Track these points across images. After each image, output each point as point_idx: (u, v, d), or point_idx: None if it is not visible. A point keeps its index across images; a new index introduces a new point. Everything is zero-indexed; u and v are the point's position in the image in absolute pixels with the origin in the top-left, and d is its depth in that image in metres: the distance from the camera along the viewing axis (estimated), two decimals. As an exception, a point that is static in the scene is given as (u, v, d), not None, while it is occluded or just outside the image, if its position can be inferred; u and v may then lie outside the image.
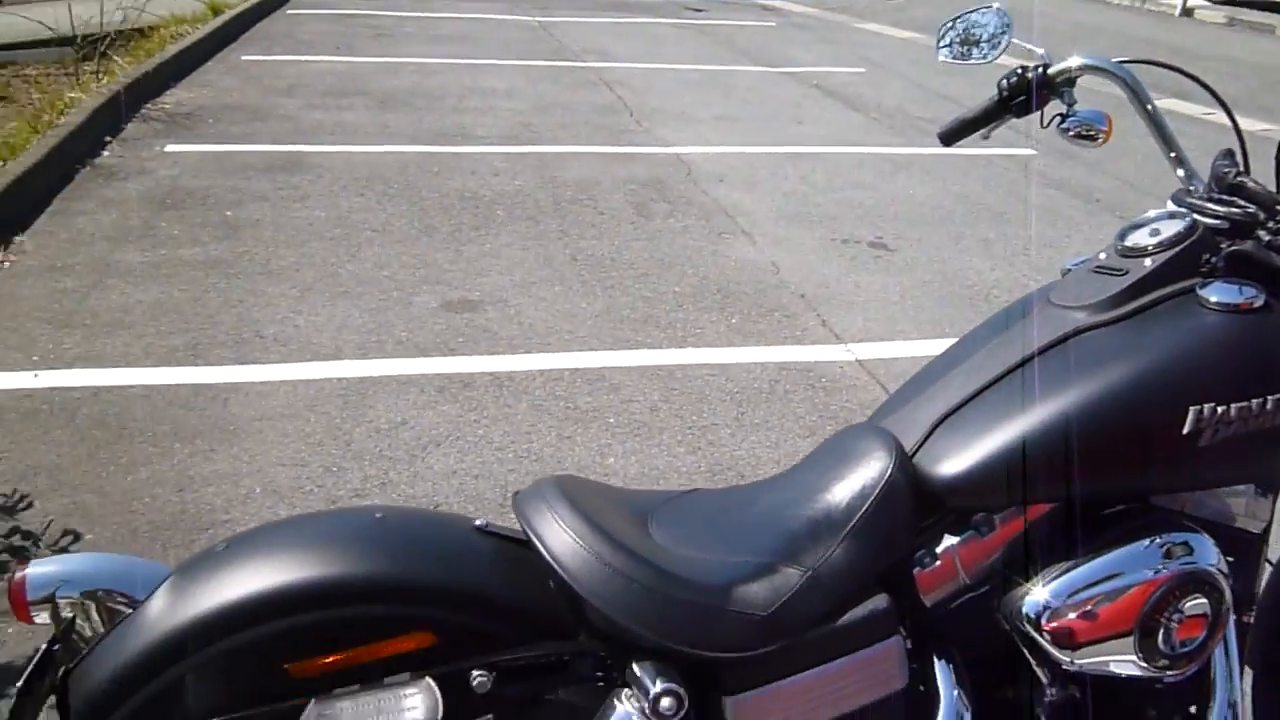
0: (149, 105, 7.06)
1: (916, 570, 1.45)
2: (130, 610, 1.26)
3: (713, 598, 1.31)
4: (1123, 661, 1.43)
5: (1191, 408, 1.40)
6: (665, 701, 1.22)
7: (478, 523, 1.39)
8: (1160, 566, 1.42)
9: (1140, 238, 1.56)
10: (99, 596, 1.29)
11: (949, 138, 1.83)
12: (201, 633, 1.21)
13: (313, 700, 1.19)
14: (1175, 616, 1.41)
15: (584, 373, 3.80)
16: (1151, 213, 1.61)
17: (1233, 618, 1.54)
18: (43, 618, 1.28)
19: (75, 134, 5.98)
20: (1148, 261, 1.52)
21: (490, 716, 1.26)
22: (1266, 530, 1.60)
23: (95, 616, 1.30)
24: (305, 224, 5.11)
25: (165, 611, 1.23)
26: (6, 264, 4.53)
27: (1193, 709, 1.57)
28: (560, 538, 1.31)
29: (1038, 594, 1.42)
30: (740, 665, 1.32)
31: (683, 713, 1.24)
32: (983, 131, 1.80)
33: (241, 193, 5.50)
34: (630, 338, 4.11)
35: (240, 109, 7.11)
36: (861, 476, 1.43)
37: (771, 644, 1.32)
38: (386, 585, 1.25)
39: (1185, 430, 1.40)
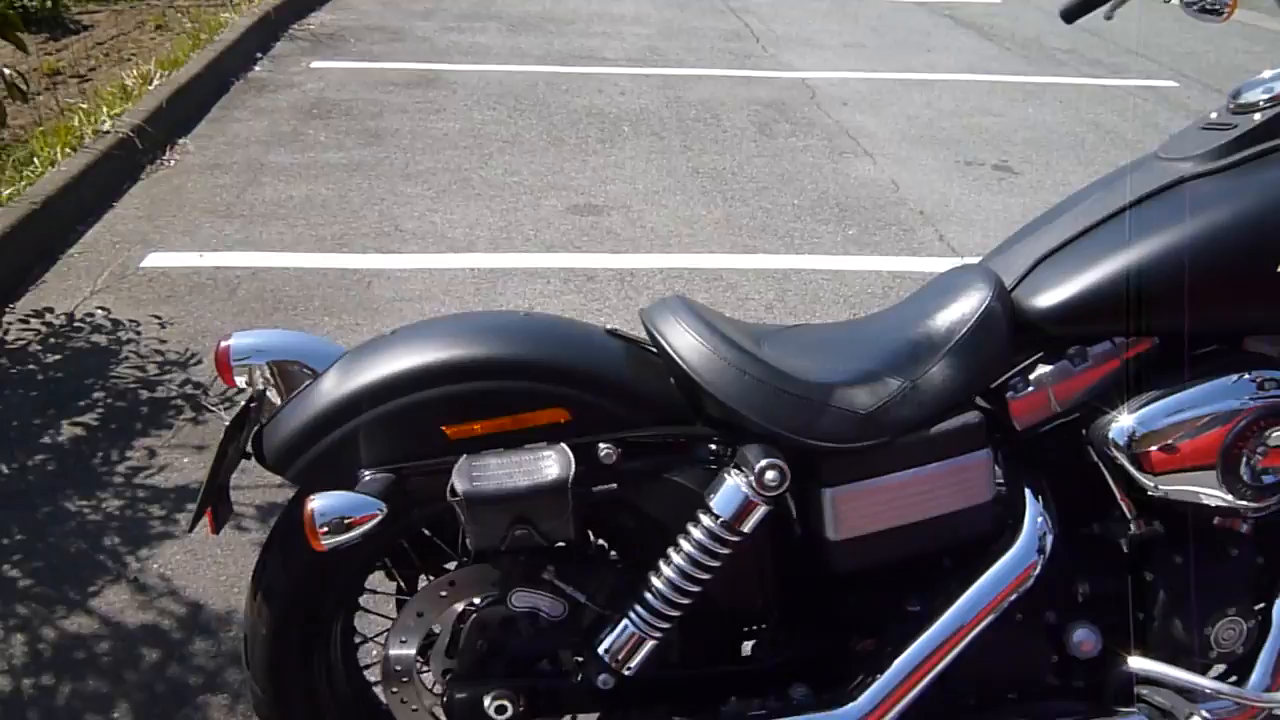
0: (295, 26, 7.42)
1: (1009, 395, 1.55)
2: (311, 379, 1.48)
3: (817, 394, 1.45)
4: (1206, 490, 1.51)
5: (1290, 247, 1.46)
6: (770, 475, 1.37)
7: (609, 328, 1.56)
8: (1248, 399, 1.49)
9: (1253, 95, 1.61)
10: (286, 366, 1.51)
11: (1071, 14, 1.89)
12: (372, 395, 1.42)
13: (464, 455, 1.39)
14: (1260, 448, 1.49)
15: (702, 272, 3.94)
16: (1267, 72, 1.65)
17: None
18: (241, 381, 1.51)
19: (229, 50, 6.37)
20: (1257, 116, 1.57)
21: (615, 486, 1.43)
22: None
23: (282, 384, 1.52)
24: (441, 134, 5.36)
25: (341, 379, 1.44)
26: (172, 162, 4.92)
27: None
28: (683, 337, 1.47)
29: (1125, 420, 1.51)
30: (838, 457, 1.46)
31: (785, 486, 1.39)
32: (1105, 9, 1.85)
33: (382, 105, 5.78)
34: (748, 243, 4.23)
35: (380, 30, 7.41)
36: (962, 305, 1.54)
37: (868, 440, 1.45)
38: (530, 365, 1.43)
39: (1280, 268, 1.46)
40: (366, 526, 1.32)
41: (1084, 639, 1.59)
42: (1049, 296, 1.53)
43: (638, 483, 1.45)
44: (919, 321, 1.57)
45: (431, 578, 1.58)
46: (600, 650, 1.46)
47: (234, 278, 3.80)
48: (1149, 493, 1.54)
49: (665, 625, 1.45)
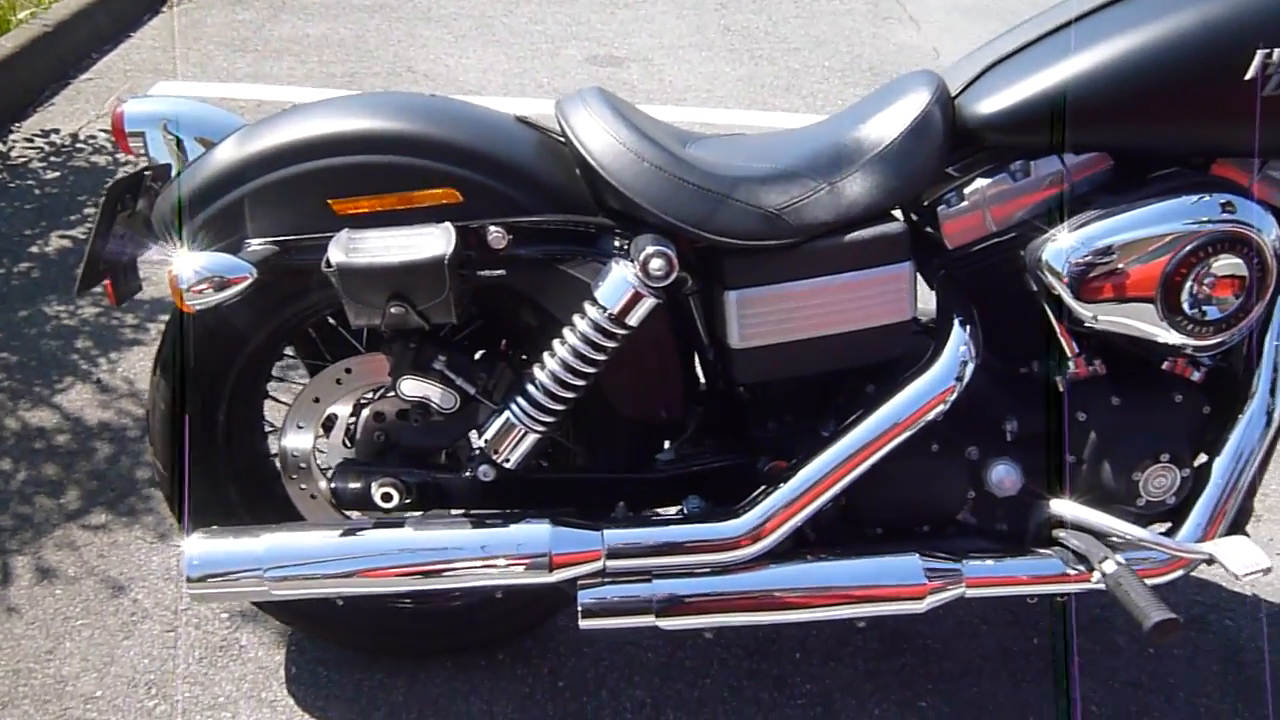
0: None
1: (942, 210, 1.45)
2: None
3: (721, 186, 1.36)
4: (1144, 324, 1.40)
5: (1259, 50, 1.31)
6: (655, 263, 1.30)
7: (519, 116, 1.48)
8: (1197, 220, 1.36)
9: None
10: (181, 136, 1.46)
11: None
12: (259, 163, 1.36)
13: (345, 229, 1.34)
14: (1206, 277, 1.37)
15: (717, 125, 3.79)
16: None
17: None
18: (137, 147, 1.47)
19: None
20: None
21: (503, 272, 1.37)
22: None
23: (182, 156, 1.48)
24: (469, -20, 5.18)
25: (235, 147, 1.39)
26: (195, -4, 4.84)
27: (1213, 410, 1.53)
28: (588, 124, 1.39)
29: (1063, 240, 1.40)
30: (742, 257, 1.38)
31: (672, 277, 1.31)
32: None
33: (415, -51, 5.60)
34: (770, 101, 4.06)
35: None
36: (899, 109, 1.43)
37: (775, 239, 1.37)
38: (423, 141, 1.36)
39: (1248, 75, 1.32)
40: (234, 289, 1.28)
41: (1005, 476, 1.51)
42: (993, 102, 1.41)
43: (528, 271, 1.39)
44: (852, 126, 1.46)
45: (334, 367, 1.55)
46: (483, 440, 1.42)
47: (237, 108, 3.76)
48: (1086, 324, 1.43)
49: (546, 419, 1.40)
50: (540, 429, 1.40)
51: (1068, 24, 1.42)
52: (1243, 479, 1.50)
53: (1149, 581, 1.46)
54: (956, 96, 1.44)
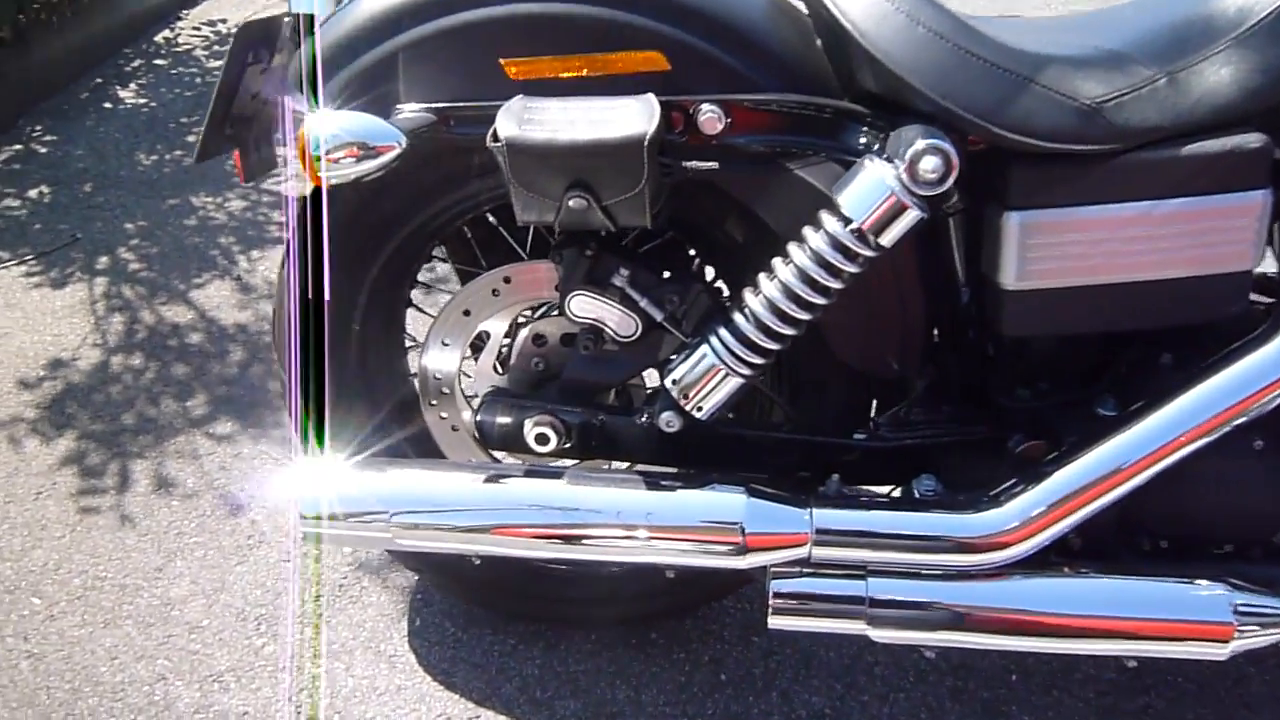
0: None
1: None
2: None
3: (1025, 68, 1.01)
4: None
5: None
6: (928, 162, 0.96)
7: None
8: None
9: None
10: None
11: None
12: (417, 9, 1.08)
13: (520, 96, 1.05)
14: None
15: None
16: None
17: None
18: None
19: None
20: None
21: (715, 166, 1.06)
22: None
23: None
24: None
25: (386, -11, 1.11)
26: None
27: None
28: None
29: None
30: (1039, 166, 1.02)
31: (947, 185, 0.97)
32: None
33: None
34: None
35: None
36: (1269, -17, 1.04)
37: (1088, 143, 1.01)
38: (623, -11, 1.05)
39: None
40: (379, 160, 1.01)
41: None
42: None
43: (748, 167, 1.07)
44: (1201, 2, 1.07)
45: (490, 275, 1.27)
46: (670, 381, 1.12)
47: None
48: None
49: (755, 361, 1.09)
50: (746, 372, 1.09)
51: None
52: None
53: None
54: None
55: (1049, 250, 1.05)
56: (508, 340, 1.28)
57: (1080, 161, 1.02)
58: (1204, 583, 1.10)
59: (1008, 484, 1.10)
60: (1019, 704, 1.44)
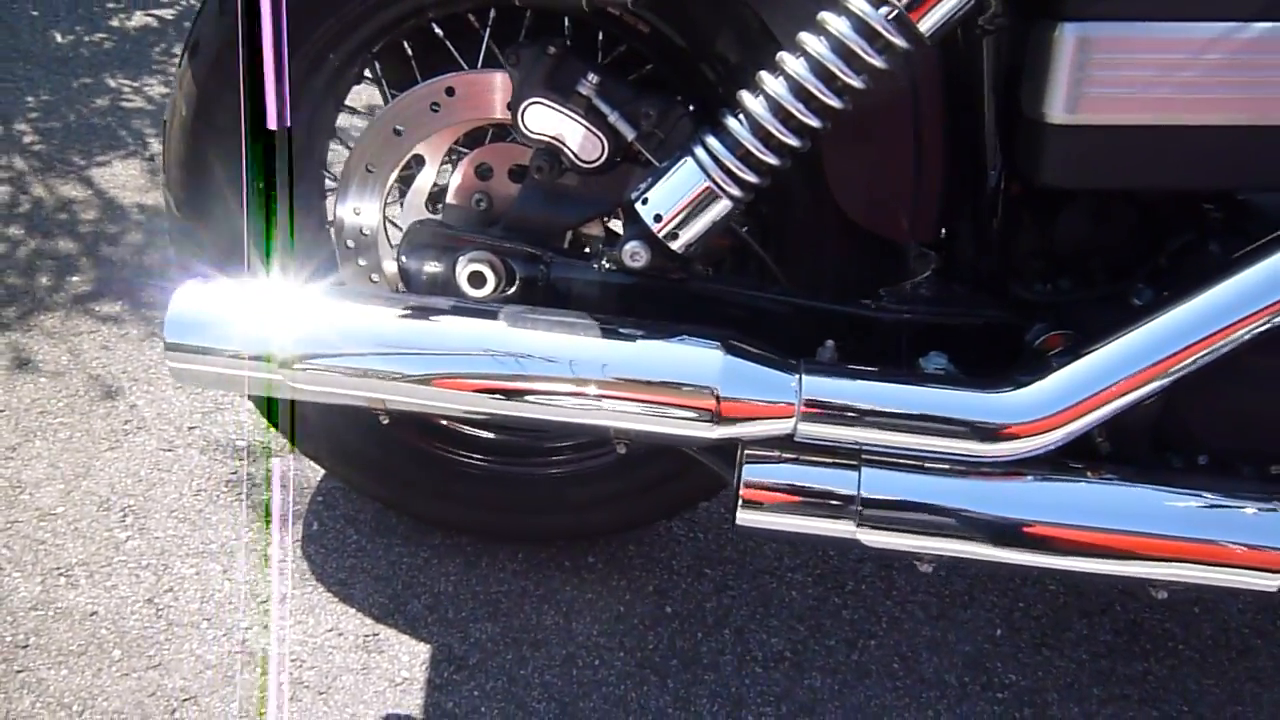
0: None
1: None
2: None
3: None
4: None
5: None
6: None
7: None
8: None
9: None
10: None
11: None
12: None
13: None
14: None
15: None
16: None
17: None
18: None
19: None
20: None
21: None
22: None
23: None
24: None
25: None
26: None
27: None
28: None
29: None
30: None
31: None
32: None
33: None
34: None
35: None
36: None
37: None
38: None
39: None
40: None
41: None
42: None
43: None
44: None
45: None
46: (641, 201, 0.91)
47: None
48: None
49: (749, 179, 0.89)
50: (736, 193, 0.89)
51: None
52: None
53: None
54: None
55: (1111, 75, 0.86)
56: (445, 169, 1.06)
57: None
58: (1255, 502, 0.92)
59: (1032, 368, 0.91)
60: (1004, 660, 1.26)
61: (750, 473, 0.92)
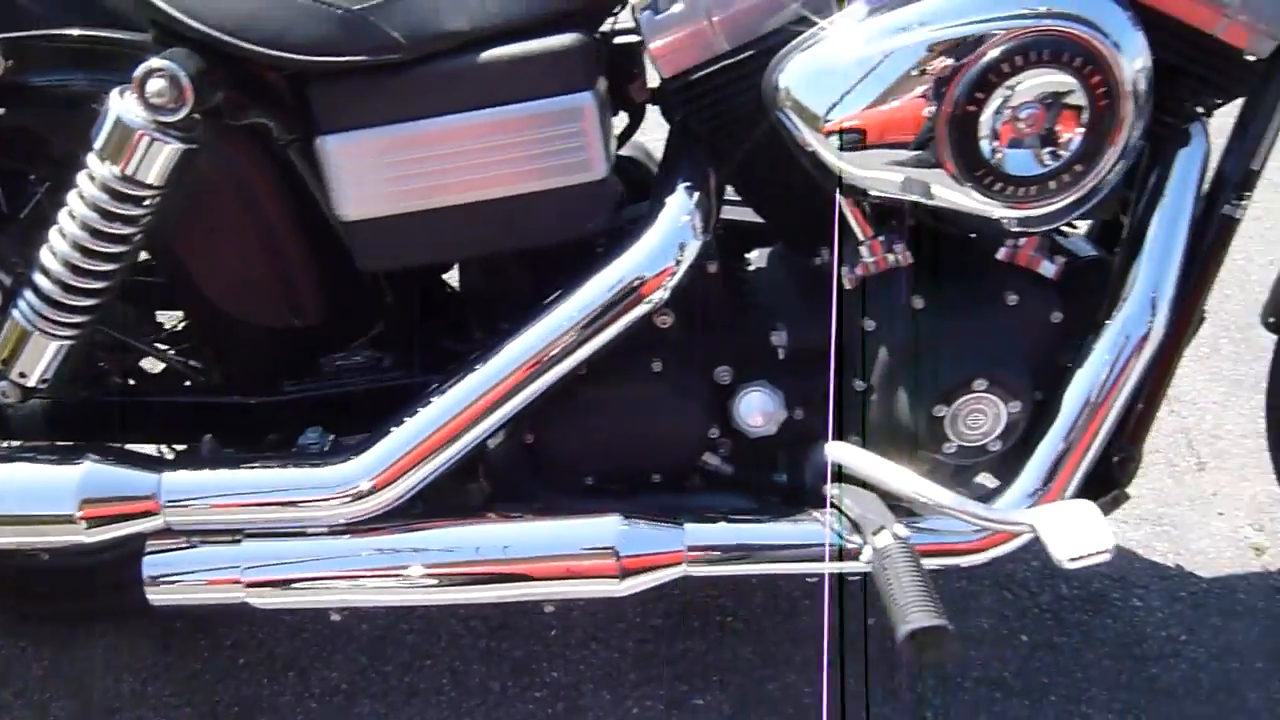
0: None
1: (646, 16, 0.99)
2: None
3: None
4: (933, 180, 0.94)
5: None
6: (152, 85, 0.88)
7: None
8: (1017, 13, 0.89)
9: None
10: None
11: None
12: None
13: None
14: (1012, 101, 0.90)
15: None
16: None
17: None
18: None
19: None
20: None
21: (2, 110, 0.97)
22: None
23: None
24: None
25: None
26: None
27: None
28: None
29: (808, 50, 0.94)
30: (334, 85, 0.95)
31: (184, 110, 0.89)
32: None
33: None
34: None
35: None
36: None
37: (366, 54, 0.93)
38: None
39: None
40: None
41: (757, 408, 1.08)
42: None
43: (43, 108, 0.98)
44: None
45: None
46: None
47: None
48: (854, 182, 0.98)
49: (72, 320, 1.00)
50: (64, 334, 1.01)
51: None
52: (1104, 418, 1.05)
53: (940, 564, 1.03)
54: None
55: (373, 175, 0.98)
56: None
57: (374, 75, 0.95)
58: (593, 518, 1.04)
59: (377, 432, 1.04)
60: (551, 659, 1.39)
61: (149, 563, 1.04)
